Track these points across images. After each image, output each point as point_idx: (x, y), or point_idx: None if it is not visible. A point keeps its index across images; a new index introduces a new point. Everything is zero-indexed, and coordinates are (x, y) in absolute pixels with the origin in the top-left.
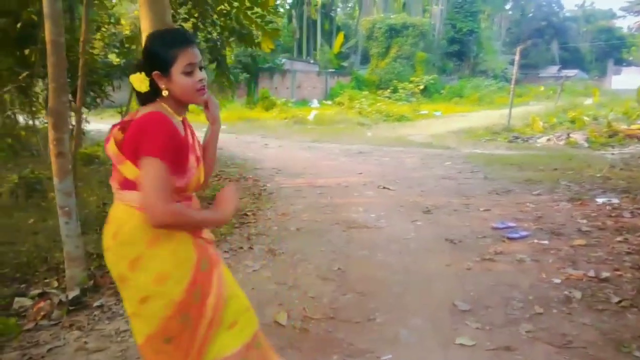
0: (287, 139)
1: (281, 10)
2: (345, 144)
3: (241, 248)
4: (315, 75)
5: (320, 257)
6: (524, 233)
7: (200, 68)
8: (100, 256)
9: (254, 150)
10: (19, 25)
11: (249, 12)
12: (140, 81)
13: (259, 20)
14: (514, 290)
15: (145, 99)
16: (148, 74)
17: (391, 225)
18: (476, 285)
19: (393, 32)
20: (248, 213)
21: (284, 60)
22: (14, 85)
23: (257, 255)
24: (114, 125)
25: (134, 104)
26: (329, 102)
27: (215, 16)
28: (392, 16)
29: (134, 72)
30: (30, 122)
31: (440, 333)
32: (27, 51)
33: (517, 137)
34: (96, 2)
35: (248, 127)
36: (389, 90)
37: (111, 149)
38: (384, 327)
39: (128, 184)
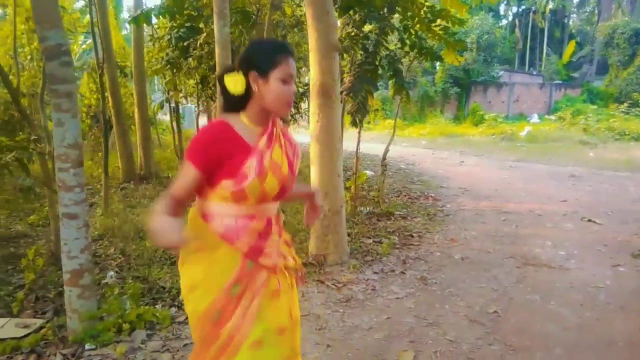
0: (487, 157)
1: (504, 20)
2: (556, 165)
3: (393, 271)
4: (538, 88)
5: (476, 295)
6: None
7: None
8: None
9: (446, 168)
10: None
11: (432, 25)
12: (236, 81)
13: (441, 32)
14: None
15: (230, 107)
16: (245, 75)
17: (582, 268)
18: None
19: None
20: (414, 234)
21: (501, 72)
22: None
23: (407, 282)
24: None
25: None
26: (552, 117)
27: (395, 32)
28: None
29: (229, 72)
30: None
31: None
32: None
33: None
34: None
35: (449, 143)
36: (626, 105)
37: None
38: None
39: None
